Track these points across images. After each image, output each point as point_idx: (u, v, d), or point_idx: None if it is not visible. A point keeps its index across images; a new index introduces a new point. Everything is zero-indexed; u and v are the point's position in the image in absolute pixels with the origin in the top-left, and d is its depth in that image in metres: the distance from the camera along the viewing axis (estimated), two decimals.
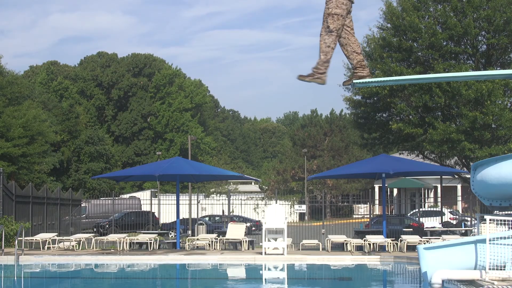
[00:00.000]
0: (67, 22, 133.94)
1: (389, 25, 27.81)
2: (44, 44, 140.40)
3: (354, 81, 8.79)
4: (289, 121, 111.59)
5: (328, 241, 20.60)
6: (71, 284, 16.10)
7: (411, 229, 24.93)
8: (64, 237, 22.29)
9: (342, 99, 30.72)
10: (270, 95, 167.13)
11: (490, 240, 11.13)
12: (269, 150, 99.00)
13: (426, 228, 25.00)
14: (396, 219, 30.06)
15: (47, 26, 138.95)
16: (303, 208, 40.57)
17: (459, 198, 44.28)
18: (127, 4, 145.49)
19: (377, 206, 43.99)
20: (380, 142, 30.03)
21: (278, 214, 19.29)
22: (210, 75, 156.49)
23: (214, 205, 36.24)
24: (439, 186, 36.17)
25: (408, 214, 36.32)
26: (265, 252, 18.61)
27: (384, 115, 29.32)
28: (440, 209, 32.21)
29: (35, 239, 21.36)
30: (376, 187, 51.41)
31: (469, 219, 29.84)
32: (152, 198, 36.52)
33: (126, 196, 52.18)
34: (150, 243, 21.12)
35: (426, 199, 48.82)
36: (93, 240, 21.73)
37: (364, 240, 19.89)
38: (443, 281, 11.39)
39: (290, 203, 42.47)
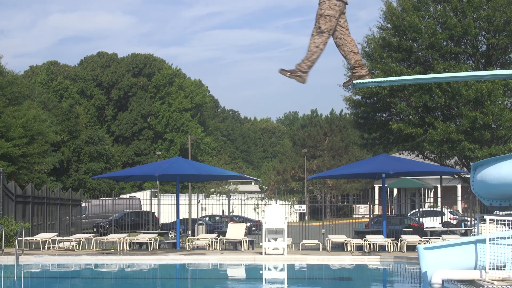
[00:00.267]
0: (67, 22, 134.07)
1: (389, 25, 27.81)
2: (44, 44, 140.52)
3: (354, 81, 8.80)
4: (289, 121, 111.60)
5: (328, 241, 20.60)
6: (71, 284, 16.09)
7: (411, 229, 24.93)
8: (64, 237, 22.29)
9: (342, 99, 30.76)
10: (270, 95, 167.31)
11: (490, 240, 11.13)
12: (269, 150, 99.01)
13: (426, 228, 25.00)
14: (396, 219, 30.06)
15: (47, 26, 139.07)
16: (303, 208, 40.57)
17: (459, 198, 44.28)
18: (127, 4, 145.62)
19: (377, 206, 43.99)
20: (380, 142, 30.03)
21: (278, 214, 19.29)
22: (210, 75, 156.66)
23: (214, 205, 36.25)
24: (439, 186, 36.17)
25: (408, 214, 36.32)
26: (265, 252, 18.61)
27: (384, 115, 29.32)
28: (440, 209, 32.21)
29: (35, 239, 21.36)
30: (376, 187, 51.41)
31: (469, 219, 29.84)
32: (152, 198, 36.52)
33: (126, 196, 52.18)
34: (150, 243, 21.12)
35: (426, 199, 48.83)
36: (93, 240, 21.73)
37: (364, 240, 19.89)
38: (443, 281, 11.39)
39: (290, 203, 42.46)
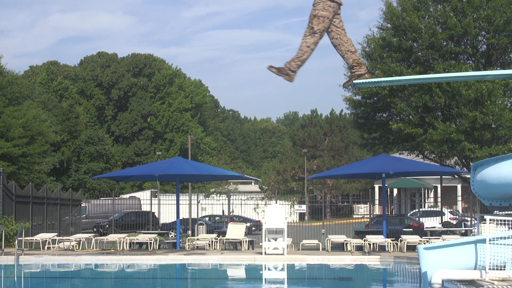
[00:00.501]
0: (67, 22, 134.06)
1: (389, 25, 27.81)
2: (44, 44, 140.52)
3: (354, 81, 8.81)
4: (289, 121, 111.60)
5: (328, 241, 20.60)
6: (71, 284, 16.09)
7: (411, 229, 24.93)
8: (64, 237, 22.29)
9: (342, 99, 30.77)
10: (270, 95, 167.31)
11: (490, 240, 11.13)
12: (269, 150, 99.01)
13: (426, 228, 25.00)
14: (396, 219, 30.05)
15: (47, 26, 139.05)
16: (303, 208, 40.57)
17: (459, 198, 44.28)
18: (127, 4, 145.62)
19: (377, 206, 43.99)
20: (380, 142, 30.03)
21: (278, 214, 19.29)
22: (210, 75, 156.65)
23: (214, 205, 36.24)
24: (439, 186, 36.16)
25: (408, 214, 36.32)
26: (265, 252, 18.61)
27: (384, 115, 29.32)
28: (440, 209, 32.21)
29: (35, 239, 21.36)
30: (376, 187, 51.41)
31: (469, 219, 29.84)
32: (152, 198, 36.52)
33: (126, 196, 52.17)
34: (150, 243, 21.12)
35: (426, 199, 48.82)
36: (93, 240, 21.73)
37: (364, 240, 19.89)
38: (443, 281, 11.39)
39: (290, 203, 42.46)
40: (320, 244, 21.09)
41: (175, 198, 22.71)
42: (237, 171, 62.65)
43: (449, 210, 39.00)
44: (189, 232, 25.94)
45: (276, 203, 24.92)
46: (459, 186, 46.32)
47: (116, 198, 35.66)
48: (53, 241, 21.29)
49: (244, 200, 40.17)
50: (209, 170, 24.51)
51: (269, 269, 17.85)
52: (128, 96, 75.74)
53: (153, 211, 34.86)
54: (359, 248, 20.37)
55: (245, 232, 22.25)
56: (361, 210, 46.51)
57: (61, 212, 28.33)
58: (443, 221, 29.49)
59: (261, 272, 17.29)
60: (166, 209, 33.42)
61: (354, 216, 45.53)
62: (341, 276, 17.21)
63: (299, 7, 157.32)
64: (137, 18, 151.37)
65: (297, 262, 18.44)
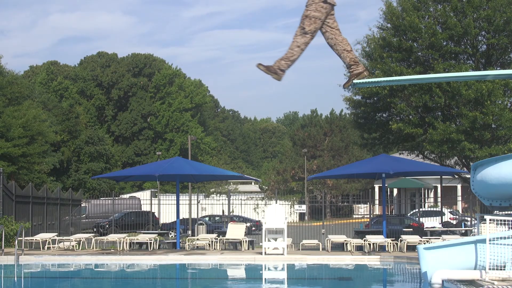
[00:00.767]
0: (67, 22, 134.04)
1: (389, 25, 27.81)
2: (44, 44, 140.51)
3: (354, 81, 8.81)
4: (289, 121, 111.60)
5: (328, 241, 20.60)
6: (71, 284, 16.09)
7: (411, 229, 24.93)
8: (64, 237, 22.29)
9: (342, 99, 30.77)
10: (270, 95, 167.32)
11: (490, 240, 11.13)
12: (269, 150, 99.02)
13: (426, 228, 25.00)
14: (396, 219, 30.05)
15: (47, 26, 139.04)
16: (303, 208, 40.57)
17: (459, 198, 44.27)
18: (127, 4, 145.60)
19: (377, 206, 43.99)
20: (380, 142, 30.03)
21: (278, 214, 19.30)
22: (210, 75, 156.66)
23: (214, 205, 36.23)
24: (439, 186, 36.17)
25: (408, 214, 36.32)
26: (265, 252, 18.61)
27: (384, 115, 29.31)
28: (440, 209, 32.21)
29: (35, 239, 21.36)
30: (376, 187, 51.41)
31: (469, 219, 29.84)
32: (152, 198, 36.51)
33: (126, 196, 52.16)
34: (150, 243, 21.13)
35: (426, 199, 48.82)
36: (93, 240, 21.73)
37: (364, 240, 19.89)
38: (443, 281, 11.39)
39: (290, 203, 42.46)
40: (320, 244, 21.09)
41: (175, 198, 22.71)
42: (237, 171, 62.66)
43: (449, 210, 39.00)
44: (189, 232, 25.94)
45: (276, 203, 24.92)
46: (459, 186, 46.31)
47: (116, 198, 35.65)
48: (53, 241, 21.30)
49: (244, 200, 40.17)
50: (209, 170, 24.51)
51: (269, 269, 17.86)
52: (128, 96, 75.74)
53: (153, 211, 34.85)
54: (359, 248, 20.37)
55: (245, 232, 22.26)
56: (361, 210, 46.52)
57: (61, 212, 28.33)
58: (443, 221, 29.49)
59: (261, 272, 17.29)
60: (166, 209, 33.42)
61: (354, 216, 45.54)
62: (341, 276, 17.21)
63: (299, 7, 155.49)
64: (137, 18, 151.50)
65: (297, 262, 18.45)
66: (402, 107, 26.36)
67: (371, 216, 31.87)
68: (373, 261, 18.25)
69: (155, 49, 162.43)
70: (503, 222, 11.68)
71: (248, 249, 20.93)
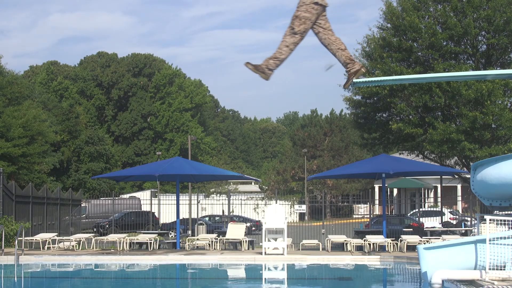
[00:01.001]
0: (67, 22, 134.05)
1: (389, 25, 27.81)
2: (44, 44, 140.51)
3: (354, 80, 8.81)
4: (289, 121, 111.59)
5: (328, 241, 20.60)
6: (71, 284, 16.09)
7: (411, 229, 24.93)
8: (64, 237, 22.29)
9: (342, 99, 30.78)
10: (270, 95, 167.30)
11: (490, 240, 11.12)
12: (269, 150, 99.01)
13: (426, 228, 25.00)
14: (396, 219, 30.05)
15: (47, 26, 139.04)
16: (303, 208, 40.56)
17: (459, 198, 44.27)
18: (127, 4, 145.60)
19: (377, 206, 43.98)
20: (380, 142, 30.04)
21: (278, 214, 19.29)
22: (210, 75, 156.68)
23: (214, 205, 36.23)
24: (439, 186, 36.16)
25: (408, 214, 36.31)
26: (265, 252, 18.61)
27: (384, 115, 29.32)
28: (440, 209, 32.20)
29: (35, 239, 21.36)
30: (376, 187, 51.40)
31: (469, 219, 29.84)
32: (152, 198, 36.50)
33: (126, 196, 52.16)
34: (150, 243, 21.12)
35: (426, 199, 48.81)
36: (93, 240, 21.73)
37: (364, 240, 19.89)
38: (443, 281, 11.39)
39: (290, 203, 42.45)
40: (320, 244, 21.09)
41: (175, 198, 22.71)
42: (237, 171, 62.65)
43: (449, 210, 38.99)
44: (189, 232, 25.93)
45: (276, 203, 24.91)
46: (459, 186, 46.31)
47: (116, 198, 35.65)
48: (53, 241, 21.29)
49: (244, 200, 40.17)
50: (209, 170, 24.51)
51: (269, 269, 17.85)
52: (128, 96, 75.74)
53: (153, 211, 34.85)
54: (359, 248, 20.37)
55: (245, 232, 22.25)
56: (361, 210, 46.51)
57: (61, 212, 28.32)
58: (443, 221, 29.49)
59: (261, 272, 17.29)
60: (166, 209, 33.42)
61: (354, 216, 45.53)
62: (341, 276, 17.21)
63: None
64: (137, 18, 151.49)
65: (297, 262, 18.44)
66: (402, 107, 26.36)
67: (371, 216, 31.87)
68: (373, 261, 18.25)
69: (155, 49, 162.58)
70: (503, 222, 11.68)
71: (248, 249, 20.92)
